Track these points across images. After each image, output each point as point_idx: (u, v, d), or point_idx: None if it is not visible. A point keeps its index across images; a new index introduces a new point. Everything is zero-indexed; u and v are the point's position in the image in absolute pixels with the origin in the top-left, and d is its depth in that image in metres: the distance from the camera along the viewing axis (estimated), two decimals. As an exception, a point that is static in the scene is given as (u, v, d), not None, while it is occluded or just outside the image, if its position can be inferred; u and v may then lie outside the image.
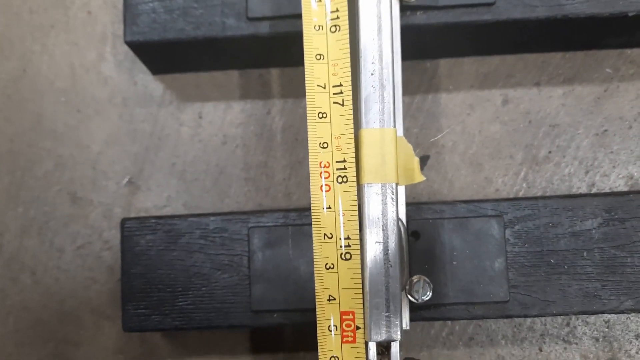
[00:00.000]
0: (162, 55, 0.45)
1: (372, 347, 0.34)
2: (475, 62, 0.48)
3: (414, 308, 0.39)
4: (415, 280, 0.36)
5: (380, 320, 0.34)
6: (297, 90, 0.48)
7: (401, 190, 0.38)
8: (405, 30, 0.39)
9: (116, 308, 0.47)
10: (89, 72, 0.49)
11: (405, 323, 0.37)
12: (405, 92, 0.46)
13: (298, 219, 0.41)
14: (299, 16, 0.38)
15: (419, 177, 0.37)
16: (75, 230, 0.48)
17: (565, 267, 0.40)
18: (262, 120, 0.48)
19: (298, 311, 0.40)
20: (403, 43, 0.39)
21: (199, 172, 0.48)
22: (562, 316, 0.45)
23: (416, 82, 0.48)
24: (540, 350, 0.45)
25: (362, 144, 0.36)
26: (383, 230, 0.35)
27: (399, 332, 0.34)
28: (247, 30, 0.42)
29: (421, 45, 0.44)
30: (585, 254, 0.40)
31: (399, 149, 0.36)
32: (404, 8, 0.40)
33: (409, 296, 0.36)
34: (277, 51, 0.44)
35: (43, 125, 0.49)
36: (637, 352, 0.45)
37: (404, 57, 0.39)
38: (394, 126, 0.36)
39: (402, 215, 0.38)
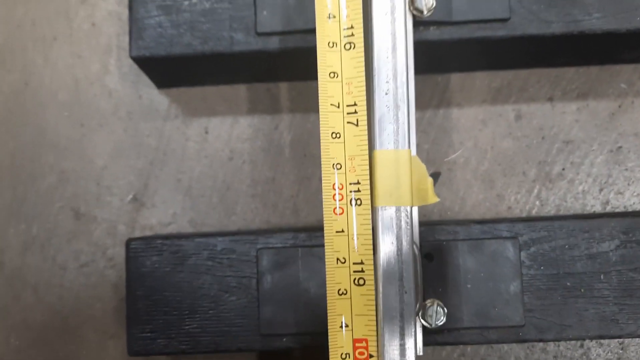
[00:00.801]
0: (169, 69, 0.44)
1: (386, 375, 0.33)
2: (488, 77, 0.47)
3: (428, 332, 0.38)
4: (428, 304, 0.35)
5: (394, 349, 0.33)
6: (305, 105, 0.47)
7: (414, 211, 0.37)
8: (418, 46, 0.38)
9: (120, 327, 0.46)
10: (93, 85, 0.48)
11: (419, 349, 0.36)
12: (416, 106, 0.45)
13: (308, 240, 0.40)
14: (309, 31, 0.37)
15: (433, 198, 0.36)
16: (79, 247, 0.47)
17: (582, 290, 0.39)
18: (270, 135, 0.47)
19: (308, 335, 0.39)
20: (415, 58, 0.38)
21: (205, 188, 0.47)
22: (576, 338, 0.44)
23: (427, 97, 0.47)
24: (554, 372, 0.44)
25: (376, 166, 0.35)
26: (398, 255, 0.34)
27: (413, 360, 0.33)
28: (256, 46, 0.41)
29: (433, 59, 0.43)
30: (602, 276, 0.39)
31: (412, 170, 0.35)
32: (417, 23, 0.39)
33: (422, 321, 0.35)
34: (286, 66, 0.43)
35: (46, 139, 0.48)
36: (652, 375, 0.44)
37: (415, 72, 0.38)
38: (409, 147, 0.35)
39: (416, 236, 0.37)
